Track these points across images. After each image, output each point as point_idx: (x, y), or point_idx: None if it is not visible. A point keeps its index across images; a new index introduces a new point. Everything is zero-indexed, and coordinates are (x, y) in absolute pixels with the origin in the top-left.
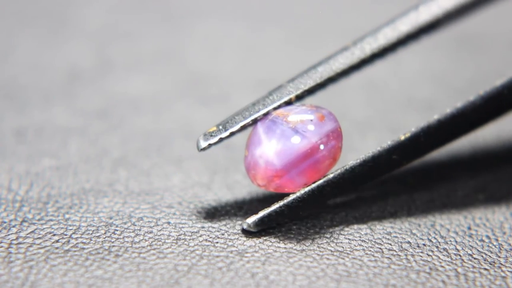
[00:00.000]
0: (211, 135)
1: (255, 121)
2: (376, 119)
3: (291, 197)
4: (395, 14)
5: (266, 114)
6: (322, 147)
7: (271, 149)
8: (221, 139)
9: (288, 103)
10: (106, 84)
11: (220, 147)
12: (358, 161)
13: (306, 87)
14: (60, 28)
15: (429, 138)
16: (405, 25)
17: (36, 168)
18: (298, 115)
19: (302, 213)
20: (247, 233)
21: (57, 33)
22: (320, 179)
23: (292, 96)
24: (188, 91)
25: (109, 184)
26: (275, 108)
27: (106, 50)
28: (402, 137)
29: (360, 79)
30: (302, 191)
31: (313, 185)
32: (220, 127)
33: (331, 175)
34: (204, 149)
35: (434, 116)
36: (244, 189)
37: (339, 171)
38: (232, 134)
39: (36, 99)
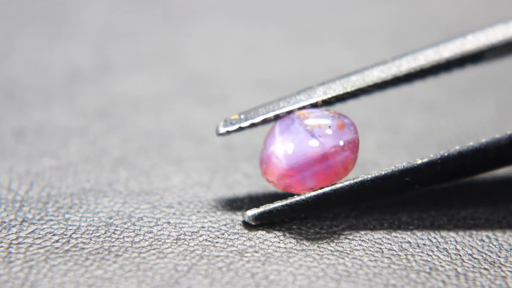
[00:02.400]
0: (231, 123)
1: (277, 117)
2: (376, 119)
3: (295, 198)
4: (441, 39)
5: (289, 112)
6: (335, 155)
7: (283, 148)
8: (240, 128)
9: (314, 105)
10: (106, 84)
11: (220, 147)
12: (369, 176)
13: (335, 93)
14: (60, 28)
15: (446, 168)
16: (448, 51)
17: (36, 168)
18: (317, 119)
19: (303, 215)
20: (246, 228)
21: (57, 33)
22: (328, 186)
23: (319, 99)
24: (188, 91)
25: (109, 184)
26: (299, 108)
27: (106, 50)
28: (419, 161)
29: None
30: (308, 195)
31: (320, 191)
32: (242, 116)
33: (339, 185)
34: (222, 134)
35: (455, 147)
36: (244, 189)
37: (348, 182)
38: (252, 125)
39: (36, 99)
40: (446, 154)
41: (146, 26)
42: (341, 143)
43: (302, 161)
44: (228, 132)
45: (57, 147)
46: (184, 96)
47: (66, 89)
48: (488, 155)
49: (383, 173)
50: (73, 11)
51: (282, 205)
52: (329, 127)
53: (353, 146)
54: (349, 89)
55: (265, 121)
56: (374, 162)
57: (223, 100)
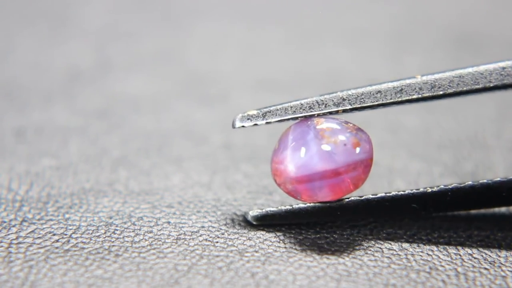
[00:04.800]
0: (248, 118)
1: (295, 119)
2: (376, 119)
3: (300, 206)
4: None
5: (308, 117)
6: (346, 172)
7: (296, 156)
8: (255, 125)
9: (335, 112)
10: (106, 84)
11: (220, 147)
12: (377, 196)
13: (360, 105)
14: (60, 28)
15: (456, 200)
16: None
17: (36, 168)
18: (334, 133)
19: (305, 223)
20: (246, 228)
21: (57, 33)
22: (335, 200)
23: (340, 109)
24: (188, 91)
25: (109, 184)
26: (319, 115)
27: (106, 50)
28: (429, 190)
29: (360, 78)
30: (313, 205)
31: (325, 204)
32: (260, 113)
33: (345, 201)
34: (237, 128)
35: (468, 181)
36: (244, 189)
37: (354, 199)
38: (268, 123)
39: (36, 99)
40: (458, 186)
41: (146, 26)
42: (354, 162)
43: (312, 172)
44: (244, 127)
45: (57, 147)
46: (184, 96)
47: (66, 89)
48: (500, 193)
49: (391, 195)
50: (73, 11)
51: (286, 211)
52: (345, 145)
53: (365, 166)
54: (381, 101)
55: (282, 121)
56: (374, 162)
57: (223, 100)
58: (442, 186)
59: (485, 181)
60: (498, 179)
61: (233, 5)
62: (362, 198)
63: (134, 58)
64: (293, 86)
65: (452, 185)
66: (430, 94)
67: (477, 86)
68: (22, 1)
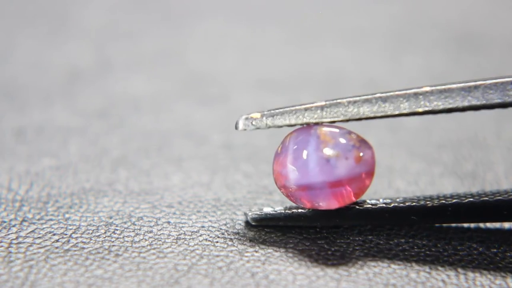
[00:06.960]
0: (252, 123)
1: (300, 124)
2: (375, 119)
3: (299, 211)
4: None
5: (312, 123)
6: (346, 185)
7: (296, 166)
8: (257, 128)
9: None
10: (106, 84)
11: (220, 147)
12: (377, 206)
13: (365, 115)
14: (60, 28)
15: (457, 214)
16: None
17: (36, 168)
18: (338, 146)
19: (303, 227)
20: (246, 228)
21: (57, 33)
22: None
23: (345, 118)
24: (188, 91)
25: (109, 184)
26: (323, 122)
27: (106, 50)
28: (429, 203)
29: (360, 78)
30: (312, 211)
31: (325, 210)
32: (264, 118)
33: (344, 208)
34: (240, 130)
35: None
36: (244, 189)
37: (354, 206)
38: (270, 127)
39: (36, 99)
40: (459, 202)
41: (146, 26)
42: (355, 174)
43: (312, 182)
44: (245, 130)
45: (57, 147)
46: (184, 96)
47: (66, 89)
48: (500, 211)
49: (391, 206)
50: (73, 11)
51: (285, 214)
52: (346, 158)
53: (366, 176)
54: (379, 114)
55: (285, 126)
56: None
57: (223, 100)
58: (443, 201)
59: (486, 198)
60: (500, 197)
61: (233, 5)
62: (362, 207)
63: (134, 58)
64: (293, 86)
65: (454, 201)
66: (437, 105)
67: (484, 102)
68: (22, 1)
